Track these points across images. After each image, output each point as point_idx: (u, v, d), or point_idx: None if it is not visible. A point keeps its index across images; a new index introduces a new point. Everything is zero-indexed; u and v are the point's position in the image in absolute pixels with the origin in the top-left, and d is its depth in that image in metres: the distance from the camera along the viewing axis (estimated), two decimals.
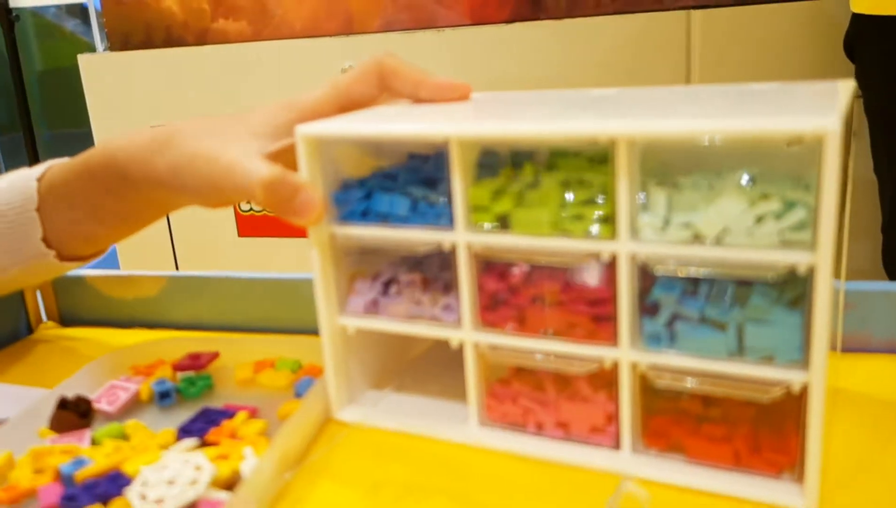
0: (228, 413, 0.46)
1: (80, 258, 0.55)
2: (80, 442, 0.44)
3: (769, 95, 0.40)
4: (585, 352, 0.39)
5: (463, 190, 0.39)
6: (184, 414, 0.47)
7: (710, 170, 0.36)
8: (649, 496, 0.36)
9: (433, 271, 0.44)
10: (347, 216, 0.43)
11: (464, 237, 0.40)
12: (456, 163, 0.39)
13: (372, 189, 0.43)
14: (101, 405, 0.48)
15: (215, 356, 0.53)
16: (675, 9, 1.51)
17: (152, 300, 0.64)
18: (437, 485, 0.40)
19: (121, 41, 1.89)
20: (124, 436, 0.45)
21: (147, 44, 1.87)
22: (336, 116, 0.45)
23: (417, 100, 0.47)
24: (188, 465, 0.39)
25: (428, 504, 0.38)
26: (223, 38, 1.82)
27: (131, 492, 0.38)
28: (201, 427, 0.44)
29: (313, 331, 0.45)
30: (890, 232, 1.26)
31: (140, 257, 1.93)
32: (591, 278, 0.39)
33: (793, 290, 0.35)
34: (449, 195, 0.40)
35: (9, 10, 2.56)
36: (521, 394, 0.42)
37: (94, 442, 0.44)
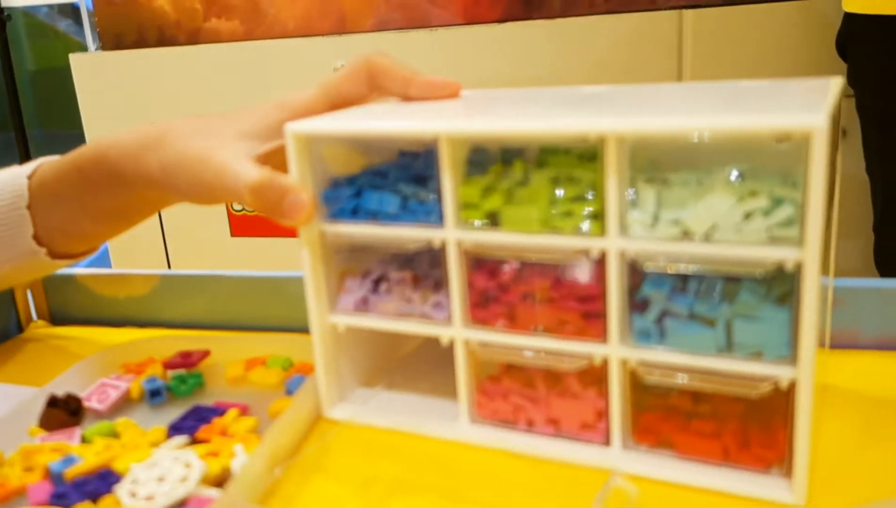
0: (219, 411, 0.46)
1: (72, 256, 0.55)
2: (70, 440, 0.44)
3: (758, 92, 0.40)
4: (575, 349, 0.39)
5: (453, 187, 0.39)
6: (174, 412, 0.46)
7: (700, 167, 0.37)
8: (638, 491, 0.37)
9: (423, 268, 0.44)
10: (337, 214, 0.43)
11: (454, 234, 0.40)
12: (446, 160, 0.39)
13: (362, 187, 0.43)
14: (92, 403, 0.48)
15: (206, 354, 0.53)
16: (666, 8, 1.51)
17: (143, 299, 0.64)
18: (428, 482, 0.40)
19: (113, 41, 1.89)
20: (115, 434, 0.45)
21: (139, 43, 1.87)
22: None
23: (407, 98, 0.47)
24: (178, 462, 0.39)
25: (418, 500, 0.38)
26: (216, 38, 1.82)
27: (121, 490, 0.38)
28: (192, 425, 0.44)
29: (304, 329, 0.45)
30: (882, 231, 1.26)
31: (132, 256, 1.92)
32: (581, 274, 0.39)
33: (781, 286, 0.35)
34: (439, 193, 0.40)
35: (0, 10, 2.55)
36: (511, 391, 0.42)
37: (84, 440, 0.44)
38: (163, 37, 1.85)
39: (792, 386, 0.34)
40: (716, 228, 0.35)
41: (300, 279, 0.44)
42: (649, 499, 0.36)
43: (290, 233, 0.43)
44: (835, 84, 0.40)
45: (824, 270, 0.37)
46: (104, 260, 2.00)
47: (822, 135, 0.31)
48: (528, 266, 0.40)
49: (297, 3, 1.76)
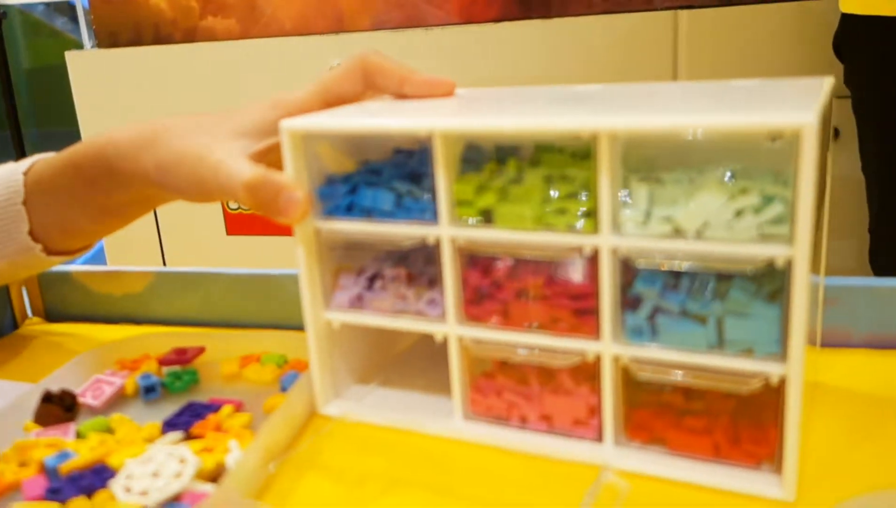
0: (213, 407, 0.46)
1: (67, 253, 0.55)
2: (64, 436, 0.44)
3: (751, 92, 0.40)
4: (568, 345, 0.39)
5: (447, 185, 0.40)
6: (169, 408, 0.47)
7: (692, 166, 0.37)
8: (629, 486, 0.37)
9: (418, 266, 0.44)
10: (332, 211, 0.43)
11: (448, 231, 0.40)
12: (440, 157, 0.39)
13: (357, 184, 0.43)
14: (86, 399, 0.48)
15: (201, 350, 0.54)
16: (662, 9, 1.52)
17: (138, 296, 0.64)
18: (422, 478, 0.40)
19: (109, 39, 1.88)
20: (109, 430, 0.45)
21: (135, 41, 1.87)
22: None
23: (402, 97, 0.48)
24: (173, 458, 0.39)
25: (412, 496, 0.38)
26: (212, 36, 1.82)
27: (116, 485, 0.38)
28: (186, 421, 0.44)
29: (299, 326, 0.46)
30: (877, 232, 1.27)
31: (127, 253, 1.92)
32: (574, 272, 0.39)
33: (771, 284, 0.35)
34: (433, 190, 0.40)
35: None
36: (505, 388, 0.42)
37: (78, 436, 0.44)
38: (159, 35, 1.85)
39: (782, 383, 0.35)
40: (707, 225, 0.35)
41: (295, 277, 0.45)
42: (641, 495, 0.37)
43: (286, 231, 0.43)
44: (826, 84, 0.40)
45: (815, 268, 0.37)
46: (99, 257, 2.00)
47: (812, 133, 0.31)
48: (522, 263, 0.40)
49: (293, 1, 1.76)
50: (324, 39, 1.72)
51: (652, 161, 0.37)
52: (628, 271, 0.37)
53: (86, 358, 0.53)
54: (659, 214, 0.36)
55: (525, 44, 1.59)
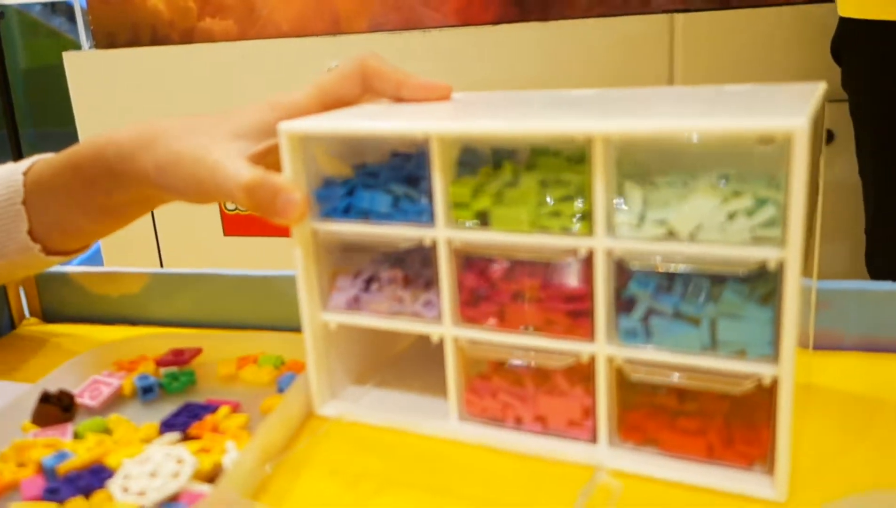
0: (211, 408, 0.46)
1: (66, 253, 0.56)
2: (62, 436, 0.44)
3: (745, 96, 0.41)
4: (563, 347, 0.40)
5: (443, 187, 0.40)
6: (166, 409, 0.47)
7: (686, 169, 0.37)
8: (622, 486, 0.37)
9: (414, 268, 0.44)
10: (329, 213, 0.43)
11: (444, 234, 0.41)
12: (436, 160, 0.40)
13: (354, 186, 0.43)
14: (84, 399, 0.48)
15: (198, 351, 0.54)
16: (658, 12, 1.52)
17: (136, 297, 0.64)
18: (418, 479, 0.40)
19: (106, 39, 1.89)
20: (107, 430, 0.45)
21: (133, 42, 1.87)
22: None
23: (399, 100, 0.48)
24: (170, 458, 0.40)
25: (408, 496, 0.39)
26: (209, 38, 1.82)
27: (113, 485, 0.39)
28: (184, 422, 0.45)
29: (296, 328, 0.46)
30: (874, 234, 1.27)
31: (124, 254, 1.92)
32: (569, 274, 0.39)
33: (764, 286, 0.36)
34: (430, 193, 0.40)
35: None
36: (500, 389, 0.42)
37: (76, 436, 0.45)
38: (156, 36, 1.85)
39: (774, 384, 0.35)
40: (700, 228, 0.35)
41: (292, 278, 0.45)
42: (635, 496, 0.37)
43: (283, 232, 0.43)
44: (819, 88, 0.40)
45: (807, 270, 0.37)
46: (96, 258, 2.00)
47: (804, 136, 0.32)
48: (518, 265, 0.40)
49: (291, 3, 1.76)
50: (321, 41, 1.72)
51: (646, 165, 0.38)
52: (622, 273, 0.38)
53: (83, 359, 0.53)
54: (653, 216, 0.36)
55: (522, 46, 1.60)
